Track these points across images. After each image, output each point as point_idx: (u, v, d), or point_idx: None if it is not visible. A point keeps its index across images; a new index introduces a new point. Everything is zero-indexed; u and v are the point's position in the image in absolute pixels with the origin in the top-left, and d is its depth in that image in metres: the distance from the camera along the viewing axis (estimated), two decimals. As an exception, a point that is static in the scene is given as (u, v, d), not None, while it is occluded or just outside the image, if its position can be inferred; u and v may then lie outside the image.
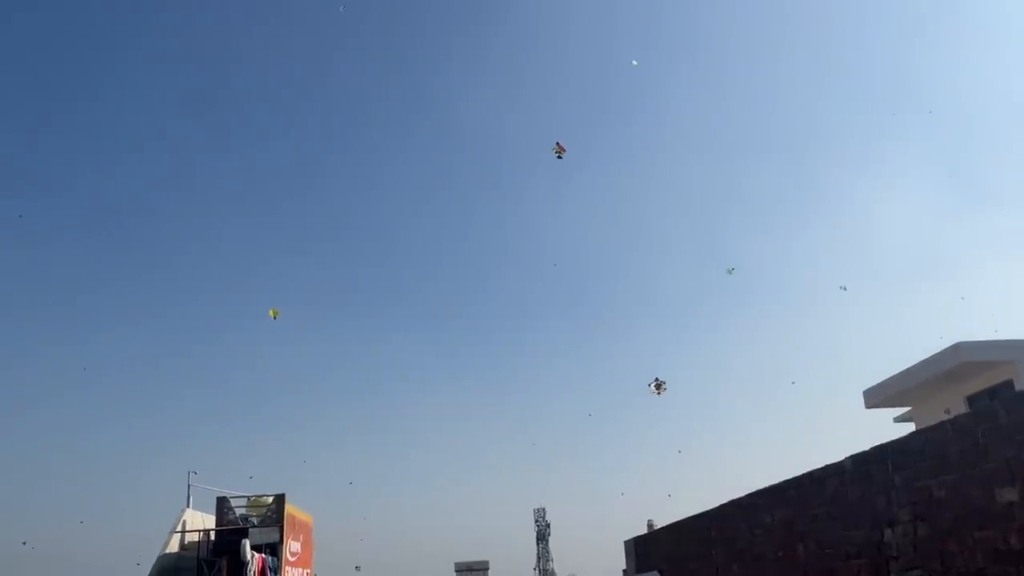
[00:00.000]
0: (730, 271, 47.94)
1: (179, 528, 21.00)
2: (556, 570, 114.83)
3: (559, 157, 29.68)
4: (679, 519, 12.55)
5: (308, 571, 24.29)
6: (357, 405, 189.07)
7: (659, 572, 13.32)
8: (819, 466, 7.31)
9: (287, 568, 21.47)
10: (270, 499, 21.83)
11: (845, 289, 63.65)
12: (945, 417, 9.87)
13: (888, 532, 6.07)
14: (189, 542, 21.20)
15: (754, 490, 8.89)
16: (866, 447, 6.59)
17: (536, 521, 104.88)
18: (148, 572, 19.57)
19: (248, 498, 22.08)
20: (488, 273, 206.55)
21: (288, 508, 21.81)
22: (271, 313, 34.85)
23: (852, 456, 6.65)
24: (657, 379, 28.82)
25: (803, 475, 7.58)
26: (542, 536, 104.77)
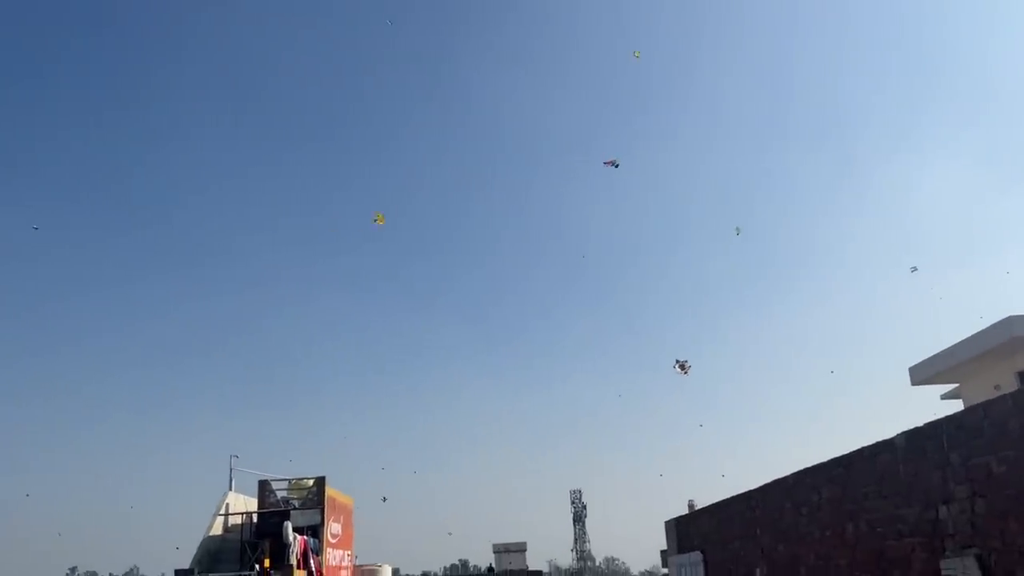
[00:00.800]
0: (737, 231, 47.29)
1: (222, 511, 21.32)
2: (593, 551, 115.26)
3: (615, 166, 29.76)
4: (721, 499, 12.40)
5: (349, 552, 24.56)
6: (395, 391, 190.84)
7: (701, 552, 13.20)
8: (868, 444, 7.12)
9: (328, 549, 21.70)
10: (311, 482, 22.06)
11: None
12: (996, 393, 9.59)
13: (943, 510, 5.89)
14: (232, 525, 21.51)
15: (800, 469, 8.72)
16: (914, 424, 6.40)
17: (572, 503, 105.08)
18: (193, 554, 19.90)
19: (289, 481, 22.35)
20: (525, 261, 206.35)
21: (328, 491, 22.03)
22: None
23: (904, 432, 6.45)
24: (678, 360, 28.88)
25: (851, 453, 7.39)
26: (579, 518, 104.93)
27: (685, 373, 28.74)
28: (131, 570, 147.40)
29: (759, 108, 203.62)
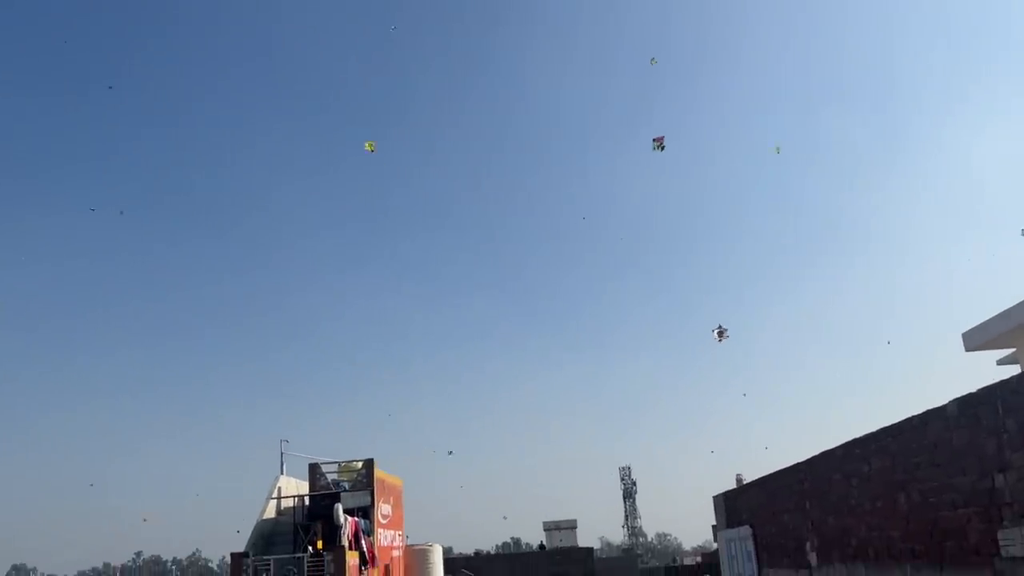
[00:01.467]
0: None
1: (275, 495, 21.71)
2: (645, 528, 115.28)
3: (662, 149, 29.40)
4: (769, 473, 12.21)
5: (400, 533, 24.85)
6: (443, 374, 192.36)
7: (750, 526, 13.04)
8: (919, 412, 6.90)
9: (379, 530, 21.98)
10: (360, 464, 22.34)
11: None
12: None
13: (999, 478, 5.68)
14: (285, 508, 21.90)
15: (849, 439, 8.51)
16: (969, 390, 6.16)
17: (622, 479, 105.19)
18: (247, 538, 20.30)
19: (339, 464, 22.66)
20: (567, 235, 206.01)
21: (377, 472, 22.28)
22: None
23: (957, 399, 6.23)
24: (720, 326, 28.61)
25: (902, 421, 7.17)
26: (629, 494, 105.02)
27: (721, 340, 28.55)
28: (193, 553, 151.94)
29: (811, 73, 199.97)
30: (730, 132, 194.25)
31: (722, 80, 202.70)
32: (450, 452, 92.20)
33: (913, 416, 6.91)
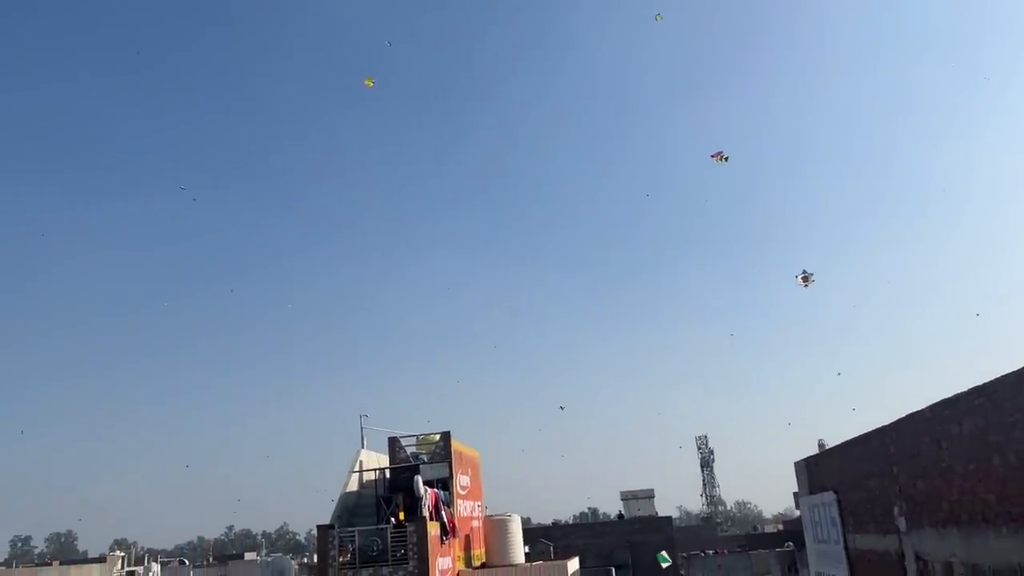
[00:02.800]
0: (658, 16, 44.71)
1: (356, 468, 22.28)
2: (724, 496, 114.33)
3: (725, 159, 28.78)
4: (852, 437, 11.91)
5: (479, 503, 25.23)
6: (516, 349, 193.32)
7: (834, 492, 12.78)
8: (1012, 371, 6.60)
9: (459, 501, 22.37)
10: (437, 436, 22.74)
11: None
12: None
13: (1103, 436, 5.41)
14: (367, 481, 22.46)
15: (938, 400, 8.22)
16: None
17: (699, 448, 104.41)
18: (332, 510, 20.92)
19: (417, 437, 23.12)
20: (634, 207, 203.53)
21: (454, 444, 22.64)
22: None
23: (1054, 355, 5.95)
24: (805, 271, 27.58)
25: (994, 380, 6.88)
26: (706, 463, 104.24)
27: (807, 285, 27.61)
28: (282, 527, 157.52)
29: (870, 24, 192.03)
30: (789, 93, 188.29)
31: (779, 40, 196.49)
32: (562, 407, 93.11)
33: (1007, 374, 6.62)
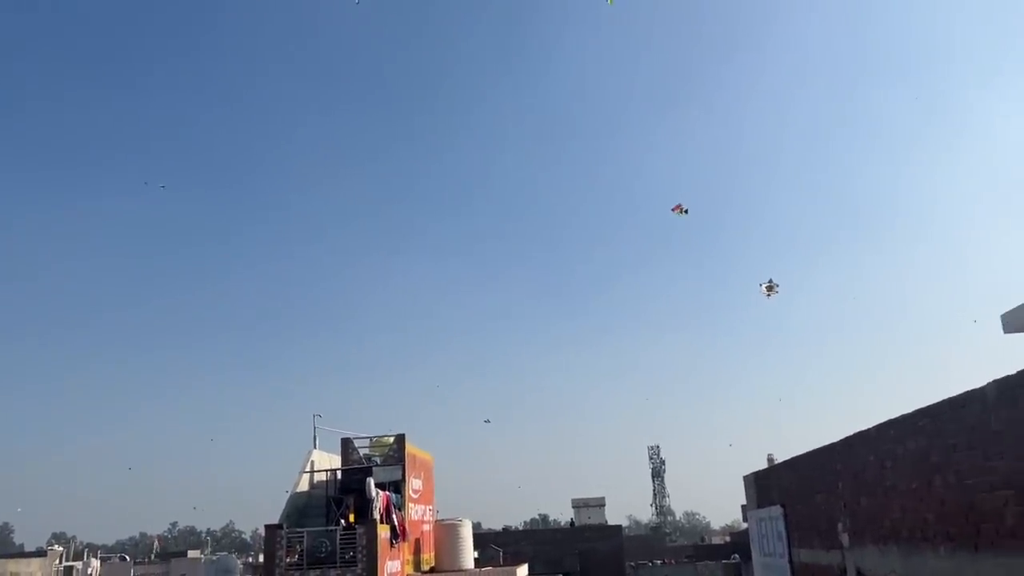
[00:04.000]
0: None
1: (307, 468, 22.05)
2: (673, 506, 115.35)
3: (684, 212, 29.00)
4: (801, 453, 12.15)
5: (430, 507, 25.14)
6: (474, 352, 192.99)
7: (781, 506, 13.01)
8: (955, 394, 6.81)
9: (410, 505, 22.27)
10: (391, 439, 22.62)
11: None
12: (1098, 339, 9.03)
13: (1038, 461, 5.61)
14: (318, 481, 22.25)
15: (884, 421, 8.44)
16: (1006, 373, 6.07)
17: (651, 458, 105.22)
18: (282, 510, 20.67)
19: (370, 439, 22.98)
20: (607, 219, 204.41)
21: (408, 447, 22.54)
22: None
23: (996, 381, 6.14)
24: (770, 280, 27.65)
25: (939, 403, 7.09)
26: (657, 473, 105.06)
27: (770, 295, 27.73)
28: (227, 525, 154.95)
29: (843, 46, 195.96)
30: (762, 108, 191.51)
31: (757, 56, 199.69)
32: (487, 420, 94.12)
33: (951, 397, 6.83)
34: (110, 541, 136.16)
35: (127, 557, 73.05)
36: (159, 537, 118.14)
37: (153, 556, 71.63)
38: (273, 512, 20.59)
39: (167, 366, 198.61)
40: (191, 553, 75.74)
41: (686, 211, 29.16)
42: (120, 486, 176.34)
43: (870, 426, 8.83)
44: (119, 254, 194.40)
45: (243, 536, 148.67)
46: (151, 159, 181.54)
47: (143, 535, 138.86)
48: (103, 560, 64.76)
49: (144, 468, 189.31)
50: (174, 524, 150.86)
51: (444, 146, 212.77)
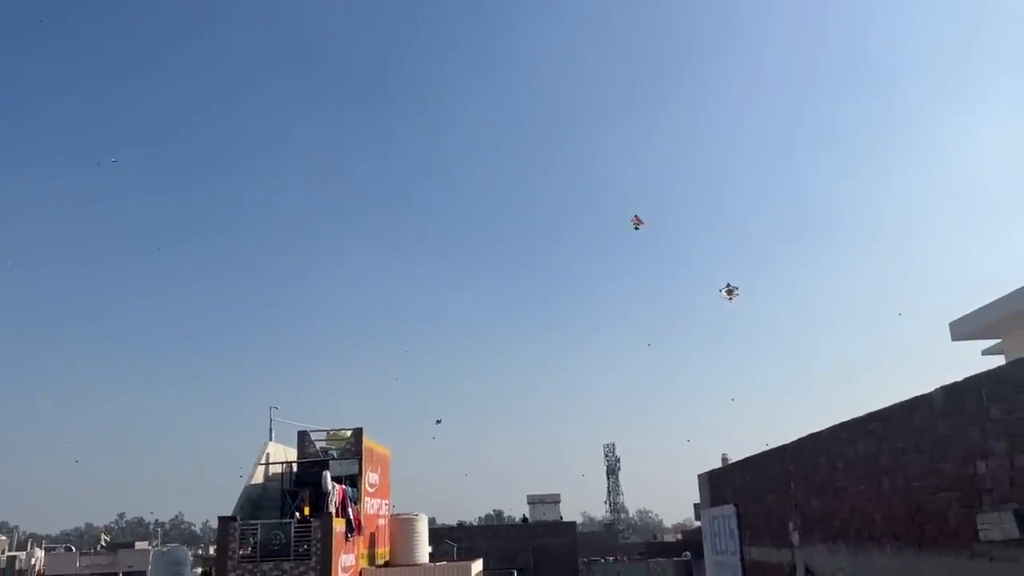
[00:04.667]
0: None
1: (263, 460, 21.87)
2: (627, 504, 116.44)
3: (636, 228, 29.23)
4: (755, 453, 12.39)
5: (386, 502, 25.10)
6: (430, 347, 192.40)
7: (735, 506, 13.25)
8: (904, 399, 7.04)
9: (366, 499, 22.20)
10: (348, 433, 22.54)
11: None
12: (1040, 348, 9.38)
13: (981, 465, 5.82)
14: (273, 474, 22.08)
15: (835, 423, 8.66)
16: (953, 380, 6.29)
17: (606, 456, 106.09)
18: (236, 502, 20.46)
19: (327, 432, 22.87)
20: (562, 216, 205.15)
21: (366, 441, 22.47)
22: None
23: (943, 387, 6.36)
24: (728, 284, 28.13)
25: (889, 408, 7.31)
26: (612, 471, 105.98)
27: (731, 299, 28.22)
28: (176, 516, 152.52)
29: (800, 58, 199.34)
30: (718, 113, 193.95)
31: (717, 67, 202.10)
32: (438, 421, 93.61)
33: (901, 402, 7.05)
34: (54, 531, 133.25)
35: (73, 548, 71.53)
36: (105, 528, 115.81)
37: (100, 547, 70.17)
38: (225, 504, 20.41)
39: (115, 355, 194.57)
40: (139, 544, 74.42)
41: (637, 226, 29.43)
42: (65, 476, 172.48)
43: (822, 428, 9.06)
44: (56, 222, 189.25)
45: (193, 528, 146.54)
46: (73, 128, 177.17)
47: (89, 526, 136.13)
48: (47, 551, 63.32)
49: (90, 458, 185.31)
50: (121, 515, 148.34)
51: (405, 138, 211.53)
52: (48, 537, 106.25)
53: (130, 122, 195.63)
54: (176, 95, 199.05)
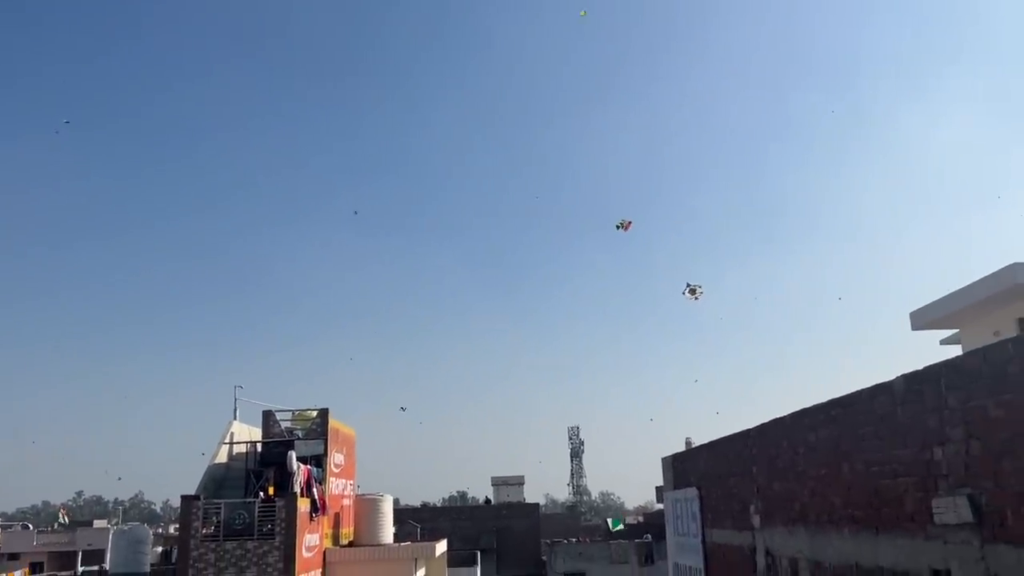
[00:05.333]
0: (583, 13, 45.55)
1: (227, 440, 21.71)
2: (589, 486, 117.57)
3: (621, 229, 29.16)
4: (718, 438, 12.60)
5: (351, 482, 25.07)
6: (397, 328, 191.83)
7: (697, 488, 13.47)
8: (866, 386, 7.21)
9: (331, 479, 22.15)
10: (314, 413, 22.43)
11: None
12: (995, 339, 9.64)
13: (938, 451, 6.00)
14: (237, 453, 21.94)
15: (798, 409, 8.84)
16: (913, 368, 6.46)
17: (570, 439, 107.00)
18: (199, 481, 20.31)
19: (293, 412, 22.72)
20: (532, 204, 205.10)
21: (332, 422, 22.40)
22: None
23: (903, 376, 6.53)
24: (689, 284, 28.42)
25: (850, 394, 7.49)
26: (576, 453, 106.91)
27: (696, 298, 28.51)
28: (136, 495, 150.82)
29: (779, 53, 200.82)
30: (693, 105, 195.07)
31: (687, 55, 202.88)
32: (403, 408, 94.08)
33: (862, 389, 7.22)
34: (10, 509, 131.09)
35: (29, 526, 70.50)
36: (63, 506, 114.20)
37: (58, 525, 69.21)
38: (187, 484, 20.28)
39: (76, 332, 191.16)
40: (97, 523, 73.51)
41: (623, 226, 29.53)
42: (21, 453, 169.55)
43: (785, 414, 9.24)
44: (24, 214, 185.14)
45: (153, 507, 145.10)
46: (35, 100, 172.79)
47: (46, 503, 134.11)
48: (3, 528, 62.37)
49: (48, 436, 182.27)
50: (79, 493, 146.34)
51: (379, 121, 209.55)
52: (3, 515, 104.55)
53: (96, 99, 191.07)
54: (144, 72, 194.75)
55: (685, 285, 28.26)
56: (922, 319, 16.29)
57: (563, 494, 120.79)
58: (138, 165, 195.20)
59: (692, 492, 13.78)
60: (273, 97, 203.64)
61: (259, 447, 21.56)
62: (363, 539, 24.03)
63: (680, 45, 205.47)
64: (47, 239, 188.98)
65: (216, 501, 19.18)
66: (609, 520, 56.84)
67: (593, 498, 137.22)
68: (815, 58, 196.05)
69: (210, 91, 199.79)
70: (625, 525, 54.79)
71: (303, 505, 19.42)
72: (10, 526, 66.34)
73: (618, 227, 29.18)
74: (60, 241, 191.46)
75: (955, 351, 16.34)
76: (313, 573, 19.99)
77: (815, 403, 8.38)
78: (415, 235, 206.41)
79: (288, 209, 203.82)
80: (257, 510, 18.83)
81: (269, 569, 18.29)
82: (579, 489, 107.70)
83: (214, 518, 18.72)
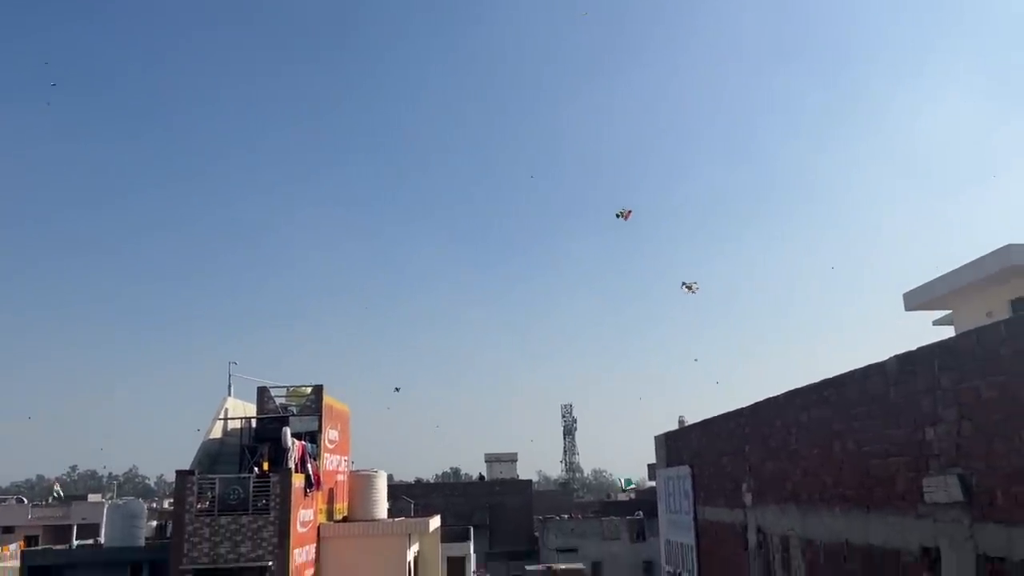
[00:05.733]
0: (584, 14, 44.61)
1: (221, 415, 21.77)
2: (582, 464, 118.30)
3: (621, 218, 29.01)
4: (711, 416, 12.66)
5: (346, 458, 25.19)
6: (394, 306, 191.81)
7: (690, 467, 13.56)
8: (859, 367, 7.24)
9: (326, 455, 22.26)
10: (309, 389, 22.48)
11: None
12: (988, 320, 9.69)
13: (930, 431, 6.04)
14: (232, 429, 22.00)
15: (791, 389, 8.89)
16: (906, 349, 6.49)
17: (563, 416, 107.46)
18: (193, 456, 20.38)
19: (287, 388, 22.77)
20: (526, 181, 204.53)
21: (326, 398, 22.46)
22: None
23: (897, 356, 6.56)
24: (684, 282, 28.96)
25: (843, 374, 7.53)
26: (569, 431, 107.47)
27: (692, 292, 28.92)
28: (130, 470, 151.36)
29: (770, 32, 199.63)
30: (686, 82, 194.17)
31: (681, 32, 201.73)
32: (397, 389, 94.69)
33: (855, 370, 7.26)
34: (4, 483, 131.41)
35: (24, 500, 70.68)
36: (57, 480, 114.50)
37: (52, 499, 69.40)
38: (182, 459, 20.33)
39: (70, 307, 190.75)
40: (91, 497, 73.67)
41: (623, 215, 29.52)
42: (15, 426, 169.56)
43: (779, 393, 9.29)
44: (10, 187, 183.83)
45: (147, 481, 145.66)
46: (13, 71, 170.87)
47: (40, 477, 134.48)
48: (-2, 502, 62.54)
49: (42, 410, 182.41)
50: (74, 467, 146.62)
51: (367, 93, 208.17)
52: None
53: (79, 68, 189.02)
54: (124, 41, 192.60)
55: (681, 283, 28.85)
56: (915, 300, 16.35)
57: (556, 471, 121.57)
58: (122, 135, 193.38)
59: (685, 470, 13.87)
60: (260, 68, 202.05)
61: (254, 423, 21.65)
62: (357, 515, 24.18)
63: (668, 31, 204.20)
64: (34, 210, 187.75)
65: (211, 476, 19.26)
66: (621, 479, 62.95)
67: (586, 475, 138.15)
68: (807, 40, 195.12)
69: (191, 62, 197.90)
70: (624, 491, 57.66)
71: (298, 480, 19.52)
72: (5, 499, 66.51)
73: (618, 216, 29.20)
74: (46, 213, 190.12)
75: (948, 332, 16.44)
76: (308, 548, 20.13)
77: (808, 383, 8.43)
78: (408, 211, 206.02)
79: (281, 182, 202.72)
80: (252, 485, 18.92)
81: (264, 544, 18.40)
82: (572, 466, 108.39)
83: (209, 493, 18.80)
